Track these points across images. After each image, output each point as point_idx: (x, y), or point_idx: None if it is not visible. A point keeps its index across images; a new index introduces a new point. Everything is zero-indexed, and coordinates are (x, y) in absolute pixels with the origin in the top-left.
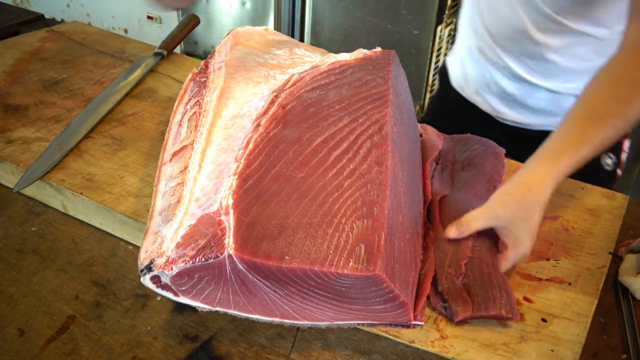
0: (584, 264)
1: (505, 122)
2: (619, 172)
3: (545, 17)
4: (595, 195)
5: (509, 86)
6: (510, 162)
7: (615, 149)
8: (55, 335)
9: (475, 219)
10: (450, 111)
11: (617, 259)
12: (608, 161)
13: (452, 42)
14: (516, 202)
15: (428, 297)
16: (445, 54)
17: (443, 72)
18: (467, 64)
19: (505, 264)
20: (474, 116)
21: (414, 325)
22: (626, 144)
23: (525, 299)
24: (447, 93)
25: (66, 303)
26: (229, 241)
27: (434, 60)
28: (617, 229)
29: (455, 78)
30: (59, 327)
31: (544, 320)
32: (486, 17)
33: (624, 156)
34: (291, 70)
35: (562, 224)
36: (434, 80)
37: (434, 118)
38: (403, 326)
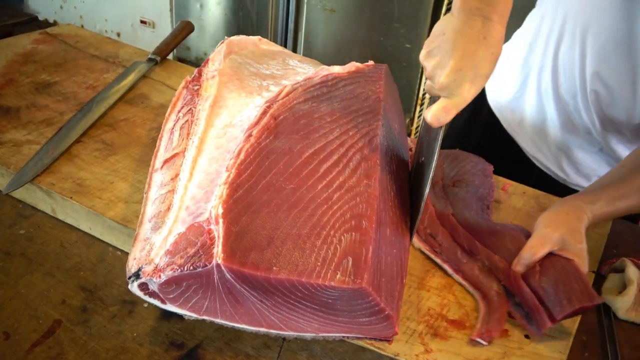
0: None
1: (556, 179)
2: None
3: None
4: None
5: (593, 163)
6: (498, 179)
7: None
8: (40, 340)
9: (536, 249)
10: (477, 140)
11: (600, 278)
12: None
13: None
14: (562, 224)
15: (509, 314)
16: None
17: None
18: (531, 110)
19: None
20: (509, 152)
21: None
22: None
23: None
24: (476, 115)
25: (53, 307)
26: (218, 250)
27: (425, 74)
28: (601, 248)
29: (498, 105)
30: (45, 331)
31: (527, 336)
32: (604, 100)
33: None
34: (284, 81)
35: None
36: (424, 94)
37: (457, 140)
38: (386, 340)
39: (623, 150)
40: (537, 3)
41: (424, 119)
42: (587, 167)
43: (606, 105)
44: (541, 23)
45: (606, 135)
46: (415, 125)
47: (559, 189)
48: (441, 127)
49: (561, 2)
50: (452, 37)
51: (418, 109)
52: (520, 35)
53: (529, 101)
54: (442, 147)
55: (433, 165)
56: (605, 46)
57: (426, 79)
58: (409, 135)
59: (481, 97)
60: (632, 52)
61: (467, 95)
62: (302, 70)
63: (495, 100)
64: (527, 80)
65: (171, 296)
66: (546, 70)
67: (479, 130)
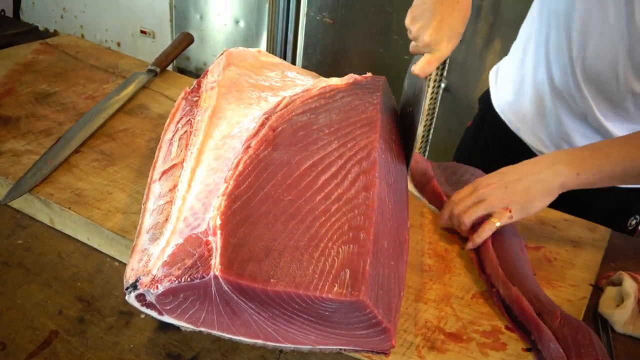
0: (566, 294)
1: None
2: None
3: None
4: (577, 227)
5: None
6: None
7: None
8: (37, 350)
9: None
10: (485, 142)
11: (597, 291)
12: (633, 222)
13: (444, 68)
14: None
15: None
16: (435, 80)
17: (485, 98)
18: (531, 104)
19: None
20: (515, 149)
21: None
22: None
23: (507, 328)
24: (484, 119)
25: (49, 318)
26: (215, 262)
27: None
28: (598, 261)
29: (502, 107)
30: (42, 342)
31: (524, 350)
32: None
33: None
34: (283, 92)
35: (545, 255)
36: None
37: (468, 151)
38: (383, 353)
39: (618, 132)
40: (529, 13)
41: (409, 73)
42: None
43: (595, 85)
44: (531, 26)
45: (599, 118)
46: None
47: None
48: (426, 79)
49: (545, 2)
50: (432, 5)
51: None
52: (516, 46)
53: (528, 97)
54: (443, 159)
55: (421, 111)
56: (586, 29)
57: (411, 40)
58: None
59: (487, 103)
60: (608, 32)
61: (445, 50)
62: (301, 82)
63: (499, 103)
64: (524, 78)
65: (168, 307)
66: (540, 64)
67: (486, 132)
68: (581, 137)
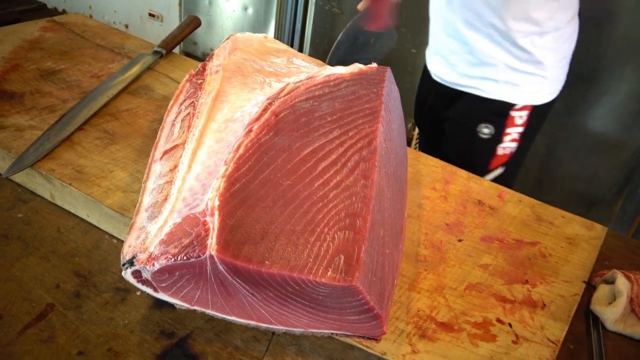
0: (558, 290)
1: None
2: (501, 150)
3: None
4: (574, 225)
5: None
6: (494, 186)
7: (495, 121)
8: (33, 322)
9: None
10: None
11: (590, 288)
12: (485, 130)
13: None
14: None
15: None
16: None
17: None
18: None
19: None
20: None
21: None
22: (517, 120)
23: (498, 320)
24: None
25: (46, 291)
26: (212, 242)
27: None
28: (593, 259)
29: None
30: (38, 314)
31: (514, 342)
32: None
33: (514, 131)
34: (287, 79)
35: (540, 250)
36: None
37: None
38: (374, 339)
39: (477, 41)
40: None
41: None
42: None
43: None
44: None
45: (461, 31)
46: (417, 130)
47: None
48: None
49: None
50: None
51: None
52: None
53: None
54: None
55: None
56: None
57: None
58: (409, 141)
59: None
60: None
61: None
62: (306, 70)
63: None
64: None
65: (164, 285)
66: None
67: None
68: (451, 52)
